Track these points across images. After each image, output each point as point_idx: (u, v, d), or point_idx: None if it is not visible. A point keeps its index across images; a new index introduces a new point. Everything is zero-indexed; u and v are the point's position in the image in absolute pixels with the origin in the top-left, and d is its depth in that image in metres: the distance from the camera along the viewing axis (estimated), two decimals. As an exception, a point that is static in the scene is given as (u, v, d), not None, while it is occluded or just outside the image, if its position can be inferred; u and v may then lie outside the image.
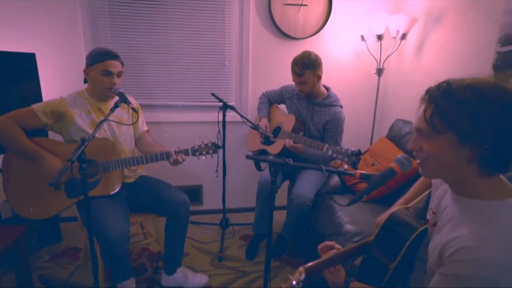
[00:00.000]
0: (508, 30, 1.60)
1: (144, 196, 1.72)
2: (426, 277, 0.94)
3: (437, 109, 0.76)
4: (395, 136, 2.17)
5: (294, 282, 0.77)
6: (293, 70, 1.93)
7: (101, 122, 1.33)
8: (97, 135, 1.55)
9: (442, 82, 0.80)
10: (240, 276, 1.90)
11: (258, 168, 2.42)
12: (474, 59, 1.82)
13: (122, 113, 1.72)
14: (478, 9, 1.79)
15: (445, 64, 2.04)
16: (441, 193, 0.95)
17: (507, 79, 1.62)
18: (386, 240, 1.01)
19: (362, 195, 0.87)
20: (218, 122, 2.10)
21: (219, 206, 2.65)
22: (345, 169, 0.96)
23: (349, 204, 0.91)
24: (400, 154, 0.88)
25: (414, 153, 0.88)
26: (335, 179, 2.15)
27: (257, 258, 2.08)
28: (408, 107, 2.39)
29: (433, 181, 1.06)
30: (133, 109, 1.49)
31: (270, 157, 1.13)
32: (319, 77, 1.94)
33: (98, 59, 1.52)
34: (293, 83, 2.15)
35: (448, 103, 0.74)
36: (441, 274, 0.77)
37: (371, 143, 2.57)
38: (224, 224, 2.32)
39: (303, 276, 0.80)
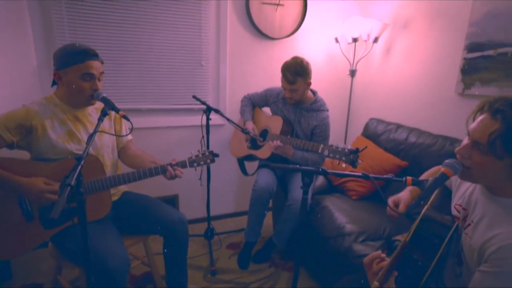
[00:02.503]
0: (473, 39, 1.80)
1: (133, 216, 1.50)
2: (460, 271, 1.00)
3: (506, 136, 0.75)
4: (372, 135, 2.30)
5: None
6: (284, 77, 1.85)
7: (92, 135, 1.10)
8: (72, 147, 1.33)
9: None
10: (240, 289, 1.81)
11: (244, 173, 2.33)
12: (441, 64, 2.02)
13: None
14: (445, 19, 1.98)
15: (412, 67, 2.23)
16: (469, 190, 1.00)
17: (474, 81, 1.84)
18: (422, 239, 1.04)
19: (419, 201, 0.88)
20: (201, 126, 1.96)
21: (198, 215, 2.52)
22: (393, 177, 0.96)
23: (407, 213, 0.91)
24: (449, 159, 0.91)
25: (457, 156, 0.91)
26: (320, 179, 2.19)
27: (251, 266, 2.00)
28: (376, 106, 2.55)
29: (453, 180, 1.13)
30: (125, 117, 1.27)
31: (304, 166, 1.07)
32: (309, 84, 1.91)
33: (76, 60, 1.24)
34: (276, 86, 2.11)
35: None
36: (485, 272, 0.81)
37: (345, 141, 2.69)
38: (210, 235, 2.18)
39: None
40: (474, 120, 0.86)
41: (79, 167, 0.97)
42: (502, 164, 0.78)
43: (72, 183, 0.92)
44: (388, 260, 0.86)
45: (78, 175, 0.96)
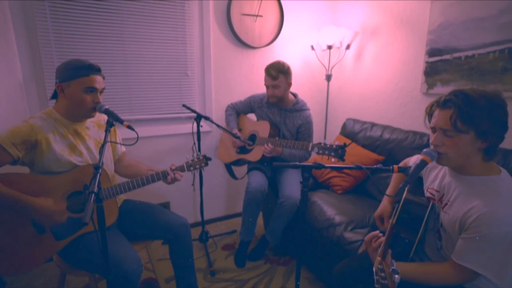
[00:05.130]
0: (432, 45, 2.06)
1: (136, 223, 1.55)
2: (440, 244, 1.17)
3: (461, 114, 0.97)
4: (351, 134, 2.50)
5: (380, 266, 0.89)
6: (268, 74, 2.02)
7: (103, 145, 1.17)
8: (75, 160, 1.36)
9: (456, 92, 1.01)
10: (240, 286, 1.89)
11: (234, 177, 2.43)
12: (407, 67, 2.26)
13: (99, 132, 1.51)
14: (407, 27, 2.23)
15: (381, 71, 2.47)
16: (440, 175, 1.19)
17: (435, 82, 2.09)
18: (406, 220, 1.21)
19: (405, 185, 1.04)
20: (192, 133, 2.05)
21: (190, 220, 2.57)
22: (382, 166, 1.12)
23: (397, 194, 1.06)
24: (427, 148, 1.08)
25: (432, 147, 1.09)
26: (306, 177, 2.34)
27: (247, 264, 2.10)
28: (352, 107, 2.76)
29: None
30: (130, 127, 1.34)
31: (303, 163, 1.20)
32: (290, 85, 2.08)
33: (80, 73, 1.29)
34: (259, 92, 2.25)
35: (470, 109, 0.96)
36: (466, 238, 0.99)
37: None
38: (205, 238, 2.25)
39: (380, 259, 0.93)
40: (429, 120, 1.09)
41: (98, 175, 1.03)
42: (469, 138, 0.98)
43: (95, 190, 0.99)
44: (383, 238, 1.01)
45: (99, 183, 1.03)
